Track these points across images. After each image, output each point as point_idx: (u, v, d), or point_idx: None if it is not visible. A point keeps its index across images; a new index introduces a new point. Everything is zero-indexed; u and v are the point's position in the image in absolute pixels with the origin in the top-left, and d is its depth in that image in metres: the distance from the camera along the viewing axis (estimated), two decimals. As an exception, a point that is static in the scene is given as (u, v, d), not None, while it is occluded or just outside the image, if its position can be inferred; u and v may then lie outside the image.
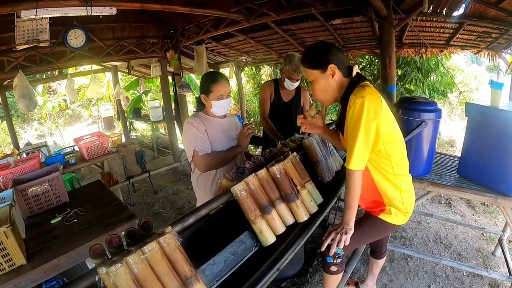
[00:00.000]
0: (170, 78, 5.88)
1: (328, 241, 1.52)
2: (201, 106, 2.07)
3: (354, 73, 1.50)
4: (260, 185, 1.41)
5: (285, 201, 1.45)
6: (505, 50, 4.14)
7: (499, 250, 3.00)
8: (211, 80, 1.95)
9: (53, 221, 2.29)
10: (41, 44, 3.64)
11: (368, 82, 1.46)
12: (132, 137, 8.20)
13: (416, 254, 2.91)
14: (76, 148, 4.14)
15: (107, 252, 0.97)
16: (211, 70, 5.57)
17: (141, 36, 4.85)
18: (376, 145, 1.43)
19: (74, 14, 3.11)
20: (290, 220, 1.44)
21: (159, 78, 6.19)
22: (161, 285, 0.94)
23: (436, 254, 3.12)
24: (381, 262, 2.20)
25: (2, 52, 3.63)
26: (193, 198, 4.38)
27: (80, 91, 10.12)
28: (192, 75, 8.25)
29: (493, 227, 3.57)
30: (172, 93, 6.03)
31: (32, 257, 1.87)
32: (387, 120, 1.44)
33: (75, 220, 2.31)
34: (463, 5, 3.28)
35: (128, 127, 7.73)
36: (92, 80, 5.78)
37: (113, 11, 3.28)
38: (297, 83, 2.80)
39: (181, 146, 6.32)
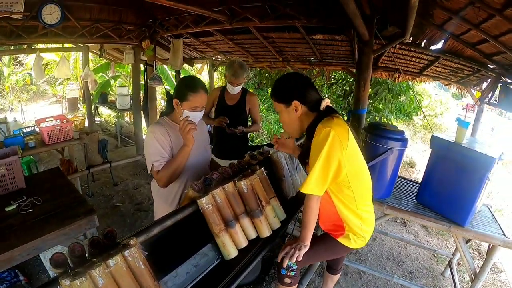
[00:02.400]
0: (142, 67, 5.73)
1: (283, 254, 1.57)
2: (169, 109, 1.92)
3: (323, 106, 1.53)
4: (226, 199, 1.44)
5: (249, 216, 1.50)
6: (474, 87, 4.47)
7: (448, 271, 3.22)
8: (190, 88, 1.77)
9: (7, 209, 2.16)
10: (13, 16, 3.39)
11: (337, 114, 1.51)
12: (96, 122, 7.88)
13: (370, 270, 3.05)
14: (37, 129, 3.89)
15: (69, 261, 0.96)
16: (191, 75, 5.49)
17: (118, 20, 4.64)
18: (337, 177, 1.47)
19: None
20: (253, 235, 1.49)
21: (131, 65, 6.00)
22: None
23: (389, 271, 3.29)
24: (336, 277, 2.28)
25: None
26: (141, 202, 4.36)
27: (47, 67, 9.58)
28: (165, 66, 8.09)
29: (444, 249, 3.83)
30: (142, 82, 5.89)
31: (-17, 248, 1.73)
32: (353, 155, 1.50)
33: (31, 210, 2.17)
34: (442, 41, 3.51)
35: (93, 112, 7.42)
36: (61, 60, 5.47)
37: None
38: (239, 88, 2.92)
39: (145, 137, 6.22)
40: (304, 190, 1.44)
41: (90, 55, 6.89)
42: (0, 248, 1.77)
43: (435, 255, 3.67)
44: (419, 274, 3.32)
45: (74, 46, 6.10)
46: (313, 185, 1.42)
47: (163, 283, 1.13)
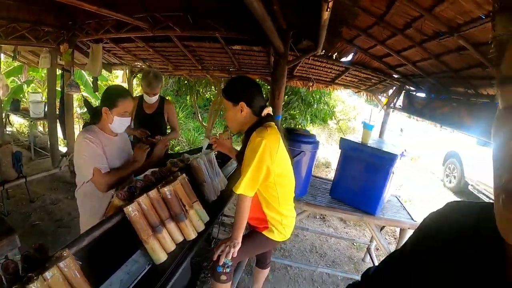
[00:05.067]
0: (58, 72, 5.36)
1: (218, 252, 1.78)
2: (95, 119, 1.99)
3: (264, 113, 1.79)
4: (151, 205, 1.56)
5: (174, 220, 1.64)
6: (381, 94, 5.12)
7: (368, 257, 3.71)
8: (119, 94, 1.91)
9: None
10: None
11: (273, 123, 1.78)
12: (7, 132, 7.12)
13: (295, 264, 3.39)
14: None
15: (3, 279, 1.01)
16: (115, 84, 5.29)
17: (36, 20, 4.33)
18: (266, 180, 1.74)
19: None
20: (179, 238, 1.64)
21: (46, 69, 5.58)
22: None
23: (313, 262, 3.64)
24: (266, 272, 2.52)
25: None
26: (73, 209, 4.08)
27: None
28: (84, 72, 7.64)
29: (362, 238, 4.34)
30: (58, 89, 5.53)
31: None
32: (281, 160, 1.77)
33: None
34: (352, 54, 3.99)
35: (4, 121, 6.69)
36: None
37: None
38: (155, 97, 3.08)
39: (62, 149, 5.84)
40: (238, 191, 1.68)
41: (2, 56, 6.21)
42: None
43: (355, 244, 4.15)
44: (342, 262, 3.73)
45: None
46: (245, 187, 1.67)
47: (99, 292, 1.23)
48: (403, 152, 2.85)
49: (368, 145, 2.84)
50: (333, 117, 10.66)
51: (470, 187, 6.18)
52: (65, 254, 1.12)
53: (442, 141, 7.88)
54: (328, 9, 1.88)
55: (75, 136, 5.31)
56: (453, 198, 6.35)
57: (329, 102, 10.35)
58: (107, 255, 1.42)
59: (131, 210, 1.46)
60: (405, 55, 3.20)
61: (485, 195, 5.61)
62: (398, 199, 3.46)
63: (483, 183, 5.81)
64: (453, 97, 3.15)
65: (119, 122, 1.93)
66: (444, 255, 0.51)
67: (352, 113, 13.29)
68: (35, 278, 0.99)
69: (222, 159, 2.95)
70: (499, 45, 0.42)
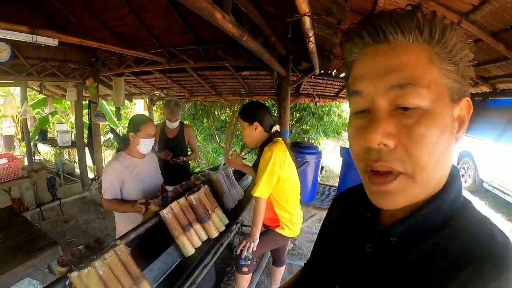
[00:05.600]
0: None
1: (241, 247, 2.13)
2: (123, 145, 2.36)
3: (273, 130, 2.18)
4: (181, 210, 1.90)
5: (200, 222, 1.97)
6: None
7: None
8: (141, 121, 2.29)
9: None
10: None
11: (280, 139, 2.15)
12: (36, 161, 7.65)
13: None
14: None
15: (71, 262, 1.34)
16: (138, 113, 5.69)
17: (63, 59, 4.85)
18: (277, 185, 2.10)
19: (18, 39, 3.03)
20: (204, 236, 1.95)
21: (69, 102, 6.08)
22: (119, 284, 1.33)
23: None
24: (281, 269, 2.79)
25: None
26: (105, 228, 4.49)
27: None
28: (104, 102, 8.19)
29: None
30: (85, 120, 6.01)
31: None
32: (289, 168, 2.13)
33: None
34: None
35: (33, 150, 7.23)
36: (8, 97, 5.51)
37: (55, 42, 3.35)
38: (176, 123, 3.46)
39: (90, 175, 6.24)
40: (255, 194, 2.05)
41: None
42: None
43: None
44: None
45: (11, 82, 6.03)
46: (261, 190, 2.03)
47: (142, 275, 1.54)
48: None
49: None
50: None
51: (485, 185, 6.09)
52: (118, 243, 1.44)
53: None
54: (311, 42, 2.28)
55: (103, 161, 5.76)
56: (470, 197, 6.32)
57: (341, 114, 10.56)
58: (148, 248, 1.75)
59: (166, 213, 1.81)
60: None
61: (501, 191, 5.53)
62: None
63: (498, 179, 5.72)
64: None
65: (144, 144, 2.27)
66: (341, 221, 0.72)
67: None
68: (97, 258, 1.31)
69: (239, 174, 3.25)
70: (346, 66, 0.56)
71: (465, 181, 6.93)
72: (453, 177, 0.53)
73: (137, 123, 2.27)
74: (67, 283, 1.26)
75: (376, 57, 0.48)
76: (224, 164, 2.77)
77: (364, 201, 0.58)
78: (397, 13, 0.47)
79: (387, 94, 0.46)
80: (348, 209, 0.72)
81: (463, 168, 7.10)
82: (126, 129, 2.38)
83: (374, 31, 0.47)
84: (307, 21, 1.90)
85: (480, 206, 5.76)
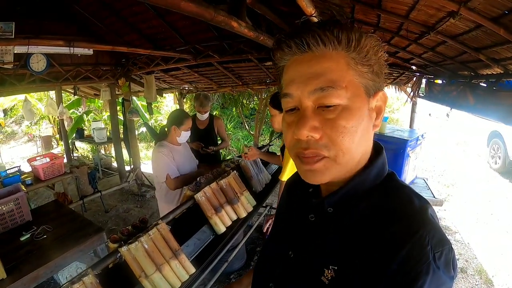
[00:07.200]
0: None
1: (267, 225, 2.28)
2: (162, 136, 2.65)
3: None
4: (213, 193, 2.09)
5: (230, 204, 2.15)
6: (405, 85, 5.29)
7: None
8: (184, 116, 2.61)
9: (22, 238, 2.38)
10: (5, 66, 3.73)
11: None
12: (74, 157, 8.18)
13: None
14: (23, 168, 4.24)
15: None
16: (178, 108, 5.95)
17: (95, 63, 5.13)
18: None
19: (58, 52, 3.35)
20: (234, 216, 2.14)
21: (103, 101, 6.46)
22: (161, 256, 1.54)
23: None
24: None
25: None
26: (144, 215, 4.70)
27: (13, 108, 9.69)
28: (135, 98, 8.55)
29: None
30: (119, 117, 6.35)
31: (10, 272, 1.94)
32: None
33: (45, 236, 2.41)
34: None
35: (71, 148, 7.76)
36: (49, 99, 6.02)
37: (90, 52, 3.66)
38: (206, 114, 3.69)
39: (127, 167, 6.61)
40: (282, 178, 2.17)
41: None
42: (26, 270, 2.00)
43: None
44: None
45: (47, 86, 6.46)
46: (287, 175, 2.14)
47: (181, 249, 1.74)
48: (418, 137, 3.09)
49: (385, 134, 3.16)
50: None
51: None
52: (159, 222, 1.64)
53: (485, 122, 7.06)
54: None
55: (139, 154, 6.09)
56: (499, 179, 6.03)
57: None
58: (185, 227, 1.95)
59: (199, 196, 2.00)
60: (410, 50, 3.44)
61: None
62: (425, 181, 3.65)
63: None
64: (460, 80, 3.25)
65: (184, 135, 2.61)
66: (290, 199, 0.82)
67: (395, 104, 13.08)
68: (143, 234, 1.51)
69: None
70: (279, 70, 0.64)
71: (495, 163, 6.62)
72: (376, 154, 0.65)
73: (181, 118, 2.58)
74: (118, 256, 1.47)
75: (302, 64, 0.57)
76: (239, 157, 2.85)
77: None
78: (320, 25, 0.57)
79: (312, 95, 0.56)
80: (294, 189, 0.82)
81: (493, 149, 6.75)
82: (167, 122, 2.67)
83: (300, 43, 0.56)
84: (314, 21, 1.98)
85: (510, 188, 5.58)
